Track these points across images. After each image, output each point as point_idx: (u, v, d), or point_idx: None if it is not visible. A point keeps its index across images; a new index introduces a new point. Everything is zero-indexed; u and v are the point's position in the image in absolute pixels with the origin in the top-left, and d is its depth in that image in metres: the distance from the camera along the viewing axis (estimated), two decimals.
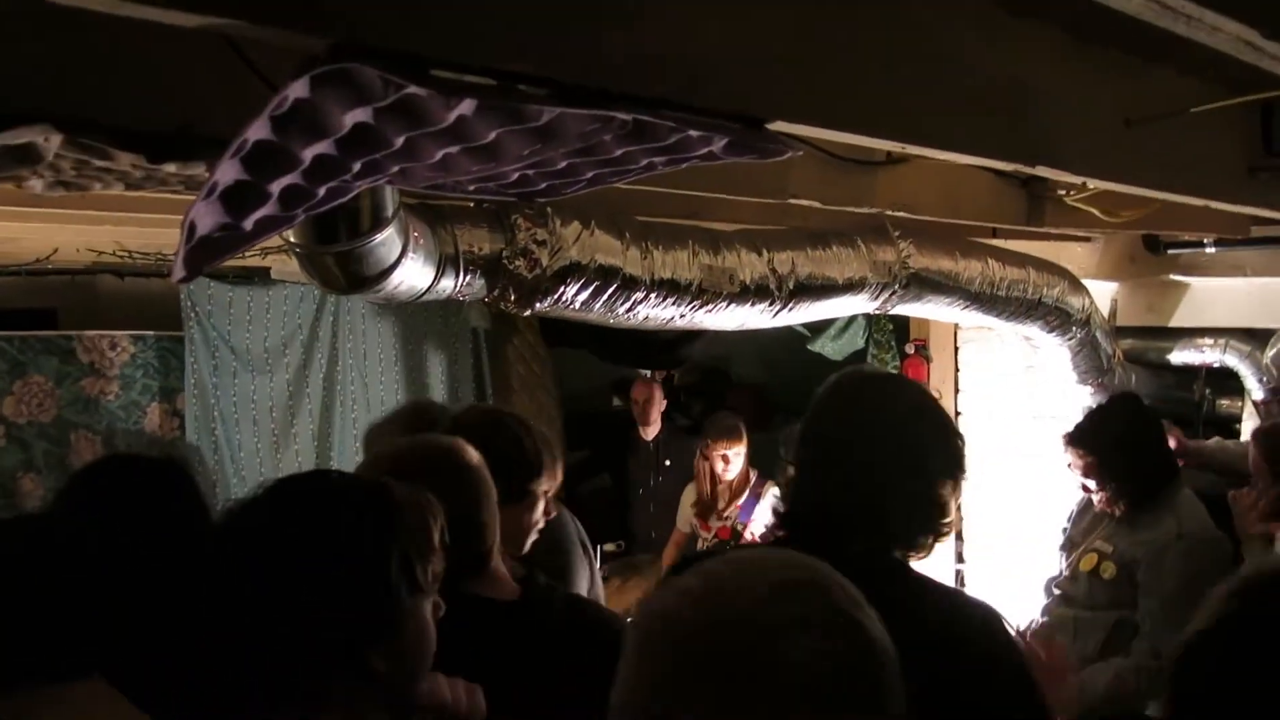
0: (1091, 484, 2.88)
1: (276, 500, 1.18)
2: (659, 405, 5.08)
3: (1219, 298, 4.22)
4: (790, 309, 2.74)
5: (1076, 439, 2.91)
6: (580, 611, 1.75)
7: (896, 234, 2.98)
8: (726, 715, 0.77)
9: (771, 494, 4.24)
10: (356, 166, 1.31)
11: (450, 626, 1.24)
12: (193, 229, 1.30)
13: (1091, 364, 3.84)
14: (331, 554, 1.11)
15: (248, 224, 1.33)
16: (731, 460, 4.28)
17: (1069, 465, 2.94)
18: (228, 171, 1.23)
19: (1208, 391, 4.33)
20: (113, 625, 1.13)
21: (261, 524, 1.15)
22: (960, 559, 4.80)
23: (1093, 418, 2.99)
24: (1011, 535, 4.56)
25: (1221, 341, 4.15)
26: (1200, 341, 4.21)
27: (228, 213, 1.30)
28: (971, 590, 4.72)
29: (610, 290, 2.32)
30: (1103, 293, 4.24)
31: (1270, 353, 3.90)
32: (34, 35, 1.27)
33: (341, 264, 1.74)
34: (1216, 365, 4.19)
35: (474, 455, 1.61)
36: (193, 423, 4.38)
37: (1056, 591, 2.95)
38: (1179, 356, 4.28)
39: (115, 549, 1.13)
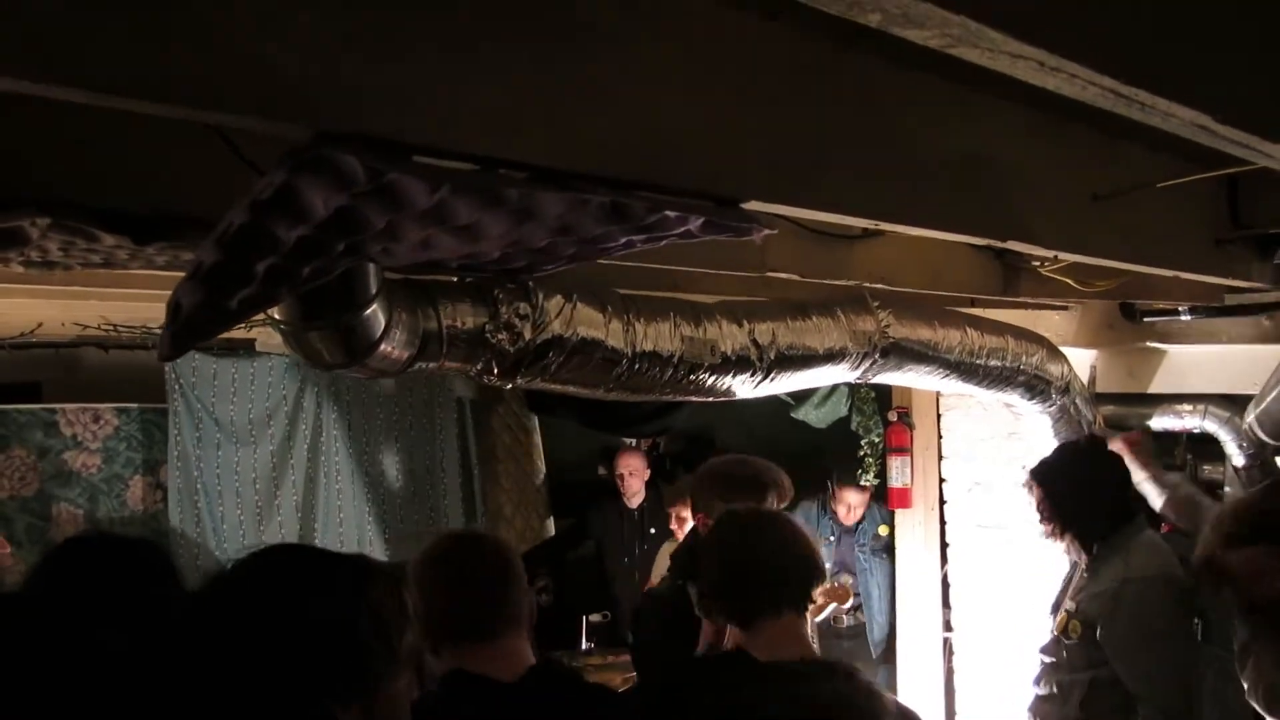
0: (1041, 522, 2.91)
1: (250, 568, 1.19)
2: (643, 474, 5.07)
3: (1197, 364, 4.27)
4: (772, 379, 2.77)
5: (1033, 472, 2.96)
6: (584, 693, 1.75)
7: (875, 304, 3.02)
8: None
9: None
10: (339, 247, 1.34)
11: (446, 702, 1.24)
12: (178, 308, 1.32)
13: (1072, 430, 3.86)
14: (304, 616, 1.12)
15: (233, 303, 1.35)
16: (687, 521, 4.26)
17: (1029, 501, 2.97)
18: (211, 253, 1.26)
19: (1189, 458, 4.36)
20: (90, 704, 1.12)
21: (236, 591, 1.16)
22: (948, 627, 4.77)
23: (1052, 454, 3.05)
24: (998, 602, 4.54)
25: (1201, 407, 4.18)
26: (1180, 408, 4.24)
27: (213, 292, 1.32)
28: (961, 657, 4.69)
29: (593, 362, 2.34)
30: (1082, 360, 4.29)
31: (1249, 418, 3.93)
32: (20, 123, 1.31)
33: (326, 340, 1.75)
34: (1197, 431, 4.22)
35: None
36: (175, 495, 4.34)
37: (1044, 659, 2.94)
38: (1159, 423, 4.31)
39: (89, 631, 1.13)
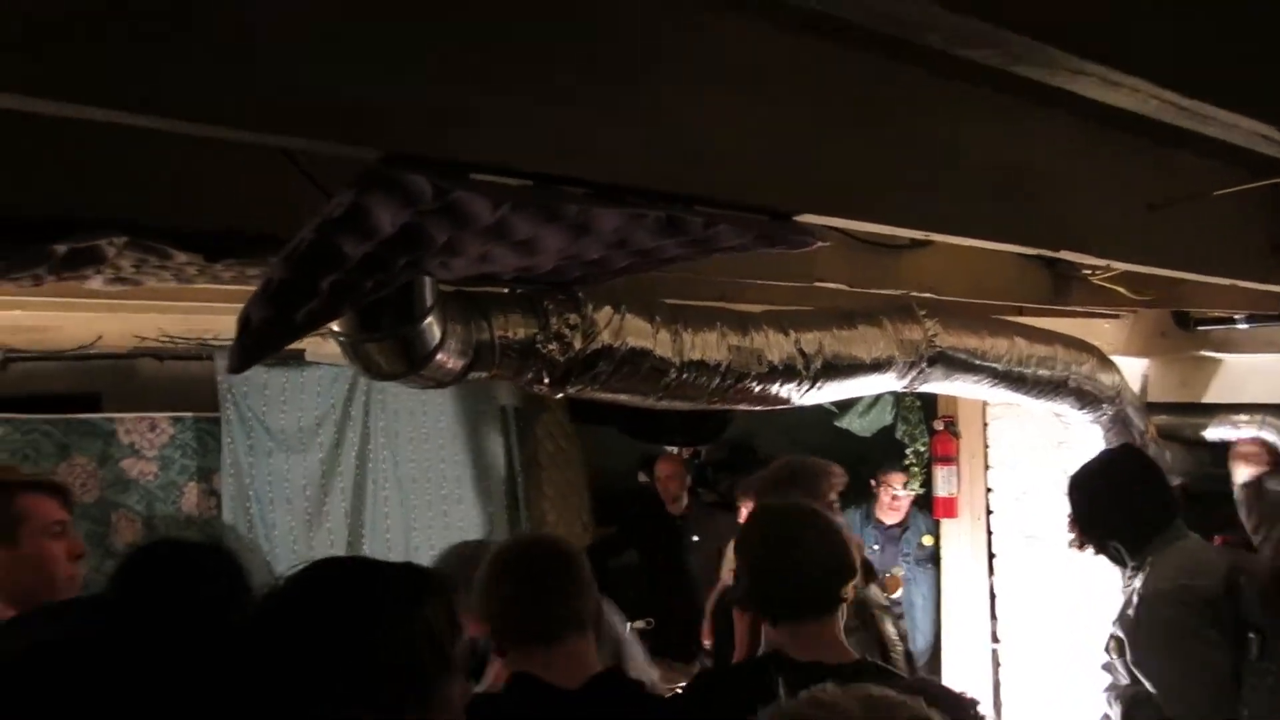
0: (1070, 530, 2.82)
1: (304, 583, 1.21)
2: (684, 481, 5.08)
3: (1253, 373, 4.19)
4: (818, 388, 2.77)
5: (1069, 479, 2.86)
6: (644, 703, 1.76)
7: (923, 313, 3.01)
8: None
9: None
10: (401, 262, 1.37)
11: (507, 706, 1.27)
12: (247, 323, 1.36)
13: (1124, 440, 3.82)
14: (358, 632, 1.14)
15: (298, 317, 1.39)
16: None
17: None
18: (281, 269, 1.30)
19: None
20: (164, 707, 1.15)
21: (291, 607, 1.18)
22: (995, 639, 4.72)
23: (1085, 463, 2.92)
24: (1045, 613, 4.49)
25: (1258, 418, 4.10)
26: (1236, 418, 4.17)
27: (280, 307, 1.36)
28: (1007, 668, 4.63)
29: (641, 372, 2.36)
30: (1133, 369, 4.23)
31: None
32: (95, 143, 1.36)
33: (383, 352, 1.79)
34: None
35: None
36: (229, 502, 4.42)
37: (1105, 674, 2.89)
38: (1214, 433, 4.24)
39: (168, 637, 1.16)
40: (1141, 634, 2.57)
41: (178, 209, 1.38)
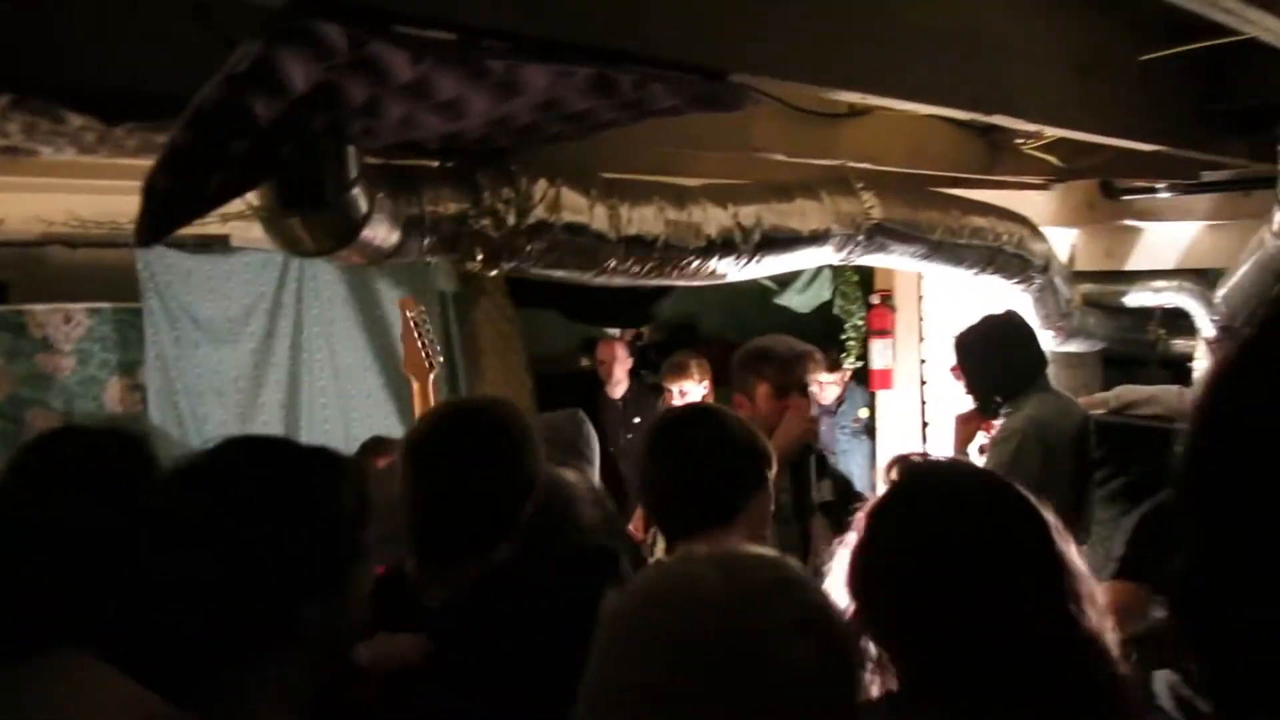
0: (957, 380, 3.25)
1: (214, 459, 1.17)
2: (625, 363, 5.09)
3: (1172, 241, 4.31)
4: (757, 261, 2.76)
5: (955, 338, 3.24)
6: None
7: (859, 185, 2.99)
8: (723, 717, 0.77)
9: None
10: (319, 125, 1.30)
11: None
12: (152, 192, 1.29)
13: (1052, 309, 3.90)
14: (270, 507, 1.11)
15: (209, 186, 1.32)
16: (689, 395, 4.26)
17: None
18: (185, 133, 1.22)
19: (1162, 332, 4.43)
20: (71, 591, 1.12)
21: (200, 480, 1.15)
22: None
23: (971, 323, 3.25)
24: None
25: (1174, 283, 4.23)
26: (1154, 284, 4.30)
27: (188, 174, 1.29)
28: None
29: (578, 247, 2.32)
30: (1062, 239, 4.30)
31: (1220, 292, 3.98)
32: None
33: (306, 227, 1.72)
34: (1170, 306, 4.28)
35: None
36: (155, 396, 4.30)
37: None
38: (1135, 299, 4.36)
39: (65, 520, 1.13)
40: (1005, 460, 2.89)
41: (70, 66, 1.28)
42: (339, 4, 1.01)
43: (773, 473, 1.81)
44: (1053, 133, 2.81)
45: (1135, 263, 4.41)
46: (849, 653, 0.87)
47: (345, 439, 4.69)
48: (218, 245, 4.18)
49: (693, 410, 2.16)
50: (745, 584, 0.83)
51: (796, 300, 4.86)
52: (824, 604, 0.86)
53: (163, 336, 4.29)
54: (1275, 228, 3.30)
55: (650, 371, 5.84)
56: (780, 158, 2.47)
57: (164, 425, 4.33)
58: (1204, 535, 0.46)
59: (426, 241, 2.01)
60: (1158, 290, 4.29)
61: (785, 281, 4.71)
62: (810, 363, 2.55)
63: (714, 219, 2.59)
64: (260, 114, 1.21)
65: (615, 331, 5.79)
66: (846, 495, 2.78)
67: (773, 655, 0.79)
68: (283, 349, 4.56)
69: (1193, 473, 0.47)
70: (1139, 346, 4.46)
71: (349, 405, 4.77)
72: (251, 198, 1.66)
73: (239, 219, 3.38)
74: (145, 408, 4.33)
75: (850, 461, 4.94)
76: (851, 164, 2.72)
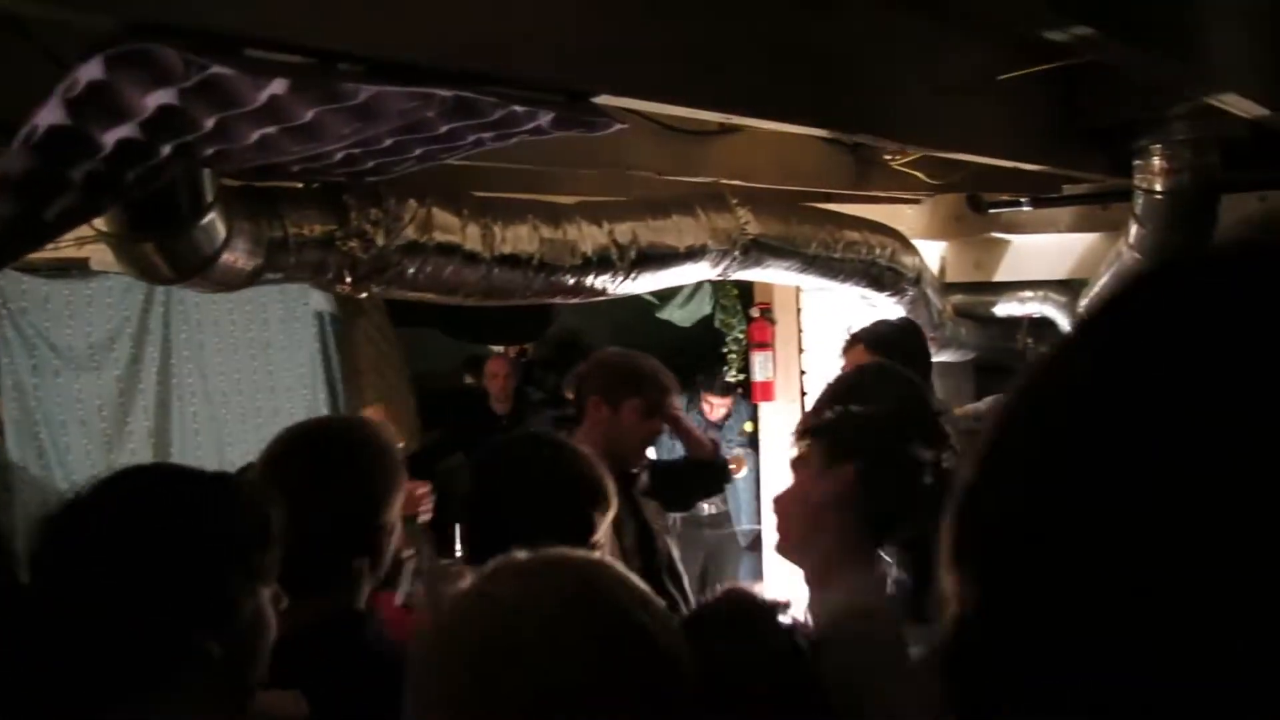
0: None
1: (104, 493, 1.14)
2: (511, 381, 5.06)
3: (1037, 252, 4.53)
4: (633, 279, 2.78)
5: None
6: None
7: (735, 201, 3.05)
8: None
9: None
10: (166, 150, 1.26)
11: None
12: None
13: (924, 320, 4.04)
14: (160, 539, 1.09)
15: (49, 214, 1.25)
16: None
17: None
18: (21, 159, 1.16)
19: (1030, 341, 4.64)
20: None
21: (84, 517, 1.12)
22: None
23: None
24: None
25: (1040, 293, 4.45)
26: (1021, 294, 4.50)
27: (27, 202, 1.23)
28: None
29: (451, 267, 2.30)
30: (932, 252, 4.47)
31: (1083, 303, 4.20)
32: None
33: (160, 252, 1.66)
34: (1037, 316, 4.49)
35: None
36: (13, 427, 4.08)
37: None
38: (1003, 309, 4.56)
39: None
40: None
41: None
42: (177, 28, 0.98)
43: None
44: (917, 150, 2.92)
45: (1003, 274, 4.61)
46: (653, 660, 0.86)
47: (220, 464, 4.52)
48: (76, 270, 3.99)
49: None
50: (542, 602, 0.85)
51: (678, 315, 4.91)
52: (630, 611, 0.86)
53: (19, 365, 4.07)
54: (1131, 240, 3.49)
55: (536, 389, 5.81)
56: (652, 175, 2.49)
57: (23, 457, 4.12)
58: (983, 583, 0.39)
59: (290, 264, 1.96)
60: (1024, 300, 4.50)
61: (666, 296, 4.76)
62: (675, 394, 2.61)
63: (590, 237, 2.60)
64: (101, 139, 1.16)
65: (500, 349, 5.75)
66: (665, 473, 2.83)
67: (559, 673, 0.81)
68: (150, 375, 4.38)
69: (970, 513, 0.40)
70: (1008, 355, 4.66)
71: (222, 430, 4.61)
72: (100, 223, 1.59)
73: (98, 241, 3.24)
74: (2, 439, 4.11)
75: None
76: (724, 181, 2.77)
